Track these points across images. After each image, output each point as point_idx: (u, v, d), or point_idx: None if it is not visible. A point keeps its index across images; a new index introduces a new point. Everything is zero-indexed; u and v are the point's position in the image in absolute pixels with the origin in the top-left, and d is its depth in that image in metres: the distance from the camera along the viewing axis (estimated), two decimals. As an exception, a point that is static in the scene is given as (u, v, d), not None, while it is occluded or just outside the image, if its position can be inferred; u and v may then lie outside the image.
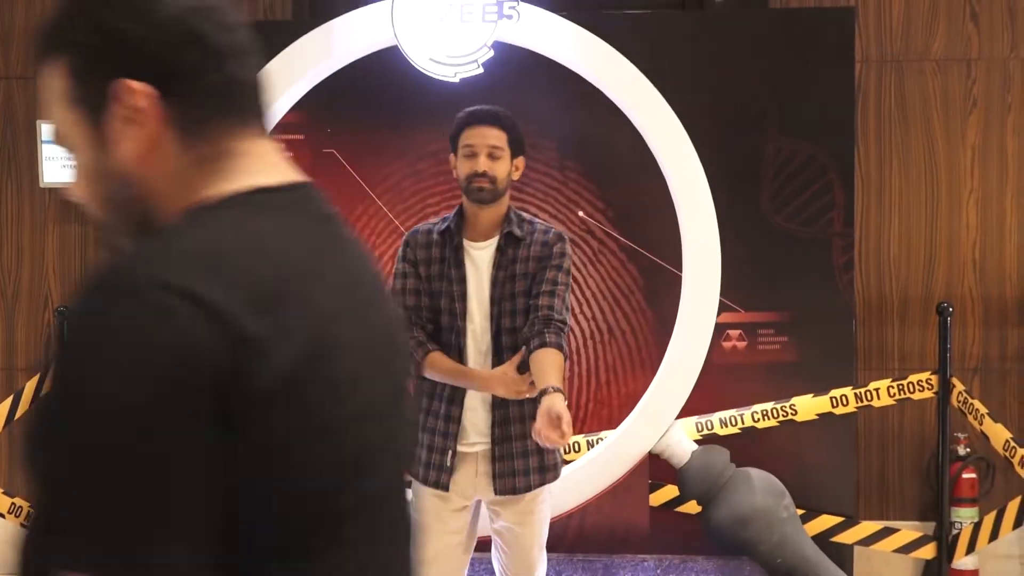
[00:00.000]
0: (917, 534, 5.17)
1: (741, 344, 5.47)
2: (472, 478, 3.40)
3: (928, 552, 5.08)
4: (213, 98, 1.20)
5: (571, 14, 5.06)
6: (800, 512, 4.93)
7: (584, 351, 5.52)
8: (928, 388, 5.04)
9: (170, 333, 0.96)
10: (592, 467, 4.70)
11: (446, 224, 3.44)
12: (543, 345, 3.29)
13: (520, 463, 3.39)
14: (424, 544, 3.44)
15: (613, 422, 5.38)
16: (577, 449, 5.21)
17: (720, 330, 5.34)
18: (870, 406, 5.15)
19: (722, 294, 4.83)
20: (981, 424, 4.69)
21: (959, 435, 5.35)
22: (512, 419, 3.36)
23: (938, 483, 5.10)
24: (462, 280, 3.36)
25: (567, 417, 3.16)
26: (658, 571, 4.29)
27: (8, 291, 5.90)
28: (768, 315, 5.47)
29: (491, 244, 3.39)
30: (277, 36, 4.88)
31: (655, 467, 4.89)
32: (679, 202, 4.73)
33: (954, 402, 4.94)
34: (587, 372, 5.52)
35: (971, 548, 4.89)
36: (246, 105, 1.29)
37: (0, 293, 5.89)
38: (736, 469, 4.74)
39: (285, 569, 1.03)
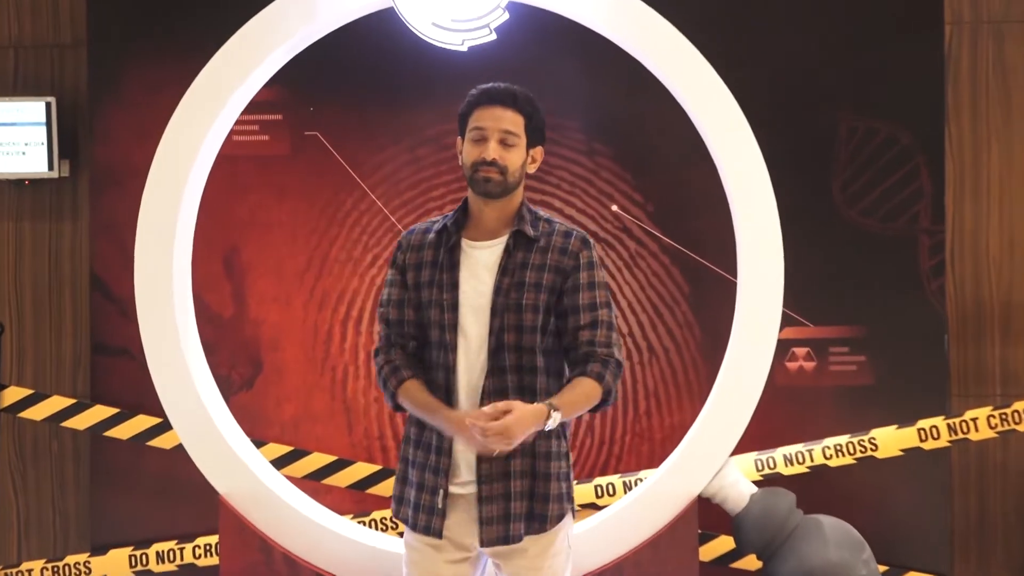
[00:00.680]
0: (1024, 594, 5.22)
1: (809, 365, 5.51)
2: (467, 524, 3.41)
3: (1038, 616, 5.12)
4: None
5: (602, -31, 5.15)
6: (882, 569, 4.98)
7: (619, 374, 5.60)
8: (1036, 417, 5.09)
9: None
10: (629, 514, 4.74)
11: (445, 222, 3.48)
12: (580, 374, 3.38)
13: (514, 506, 3.37)
14: None
15: (654, 459, 5.45)
16: (611, 492, 5.28)
17: (784, 348, 5.39)
18: (966, 439, 5.17)
19: (785, 304, 4.86)
20: (1100, 460, 4.71)
21: (1075, 474, 5.40)
22: (504, 454, 3.35)
23: (1049, 532, 5.12)
24: (454, 286, 3.39)
25: (505, 422, 3.18)
26: (709, 637, 4.38)
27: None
28: (841, 330, 5.52)
29: (497, 244, 3.41)
30: (250, -3, 4.98)
31: (706, 514, 4.93)
32: (733, 193, 4.77)
33: (1067, 434, 4.95)
34: (623, 399, 5.56)
35: (1089, 611, 4.92)
36: None
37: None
38: (804, 516, 4.79)
39: None
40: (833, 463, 5.20)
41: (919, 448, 5.17)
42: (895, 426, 5.20)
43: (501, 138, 3.39)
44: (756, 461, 5.21)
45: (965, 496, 5.68)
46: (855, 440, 5.21)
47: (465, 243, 3.46)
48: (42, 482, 5.93)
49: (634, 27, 4.74)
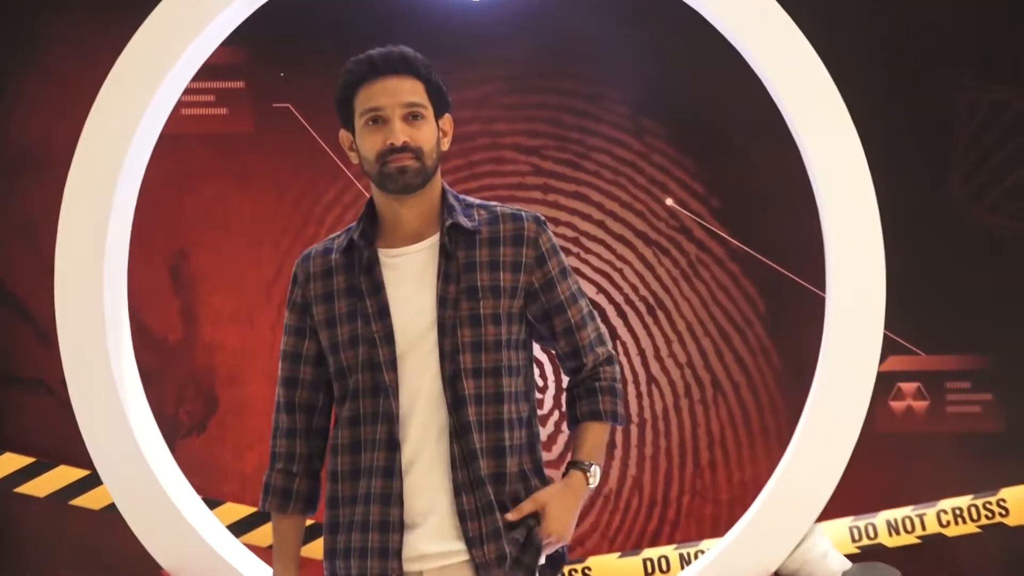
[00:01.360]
0: None
1: (920, 404, 5.49)
2: None
3: None
4: None
5: None
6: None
7: (674, 416, 5.57)
8: None
9: None
10: None
11: (348, 235, 3.45)
12: (585, 418, 3.45)
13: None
14: None
15: (720, 526, 5.42)
16: (664, 568, 5.25)
17: (887, 382, 5.36)
18: (1122, 502, 5.19)
19: (889, 327, 4.85)
20: None
21: None
22: (501, 531, 3.39)
23: None
24: (383, 312, 3.36)
25: (556, 528, 3.32)
26: None
27: None
28: (961, 360, 5.49)
29: (426, 248, 3.39)
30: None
31: (786, 596, 4.93)
32: (821, 185, 4.76)
33: None
34: (679, 449, 5.55)
35: None
36: None
37: None
38: (912, 599, 4.79)
39: None
40: (951, 532, 5.17)
41: (1062, 513, 5.14)
42: (1031, 484, 5.17)
43: (405, 114, 3.39)
44: (852, 529, 5.16)
45: (1121, 574, 5.63)
46: (979, 502, 5.16)
47: (383, 255, 3.44)
48: (-63, 551, 5.94)
49: (695, -30, 4.75)
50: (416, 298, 3.37)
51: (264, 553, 5.20)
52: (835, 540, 5.01)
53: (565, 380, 3.50)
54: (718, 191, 5.60)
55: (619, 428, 5.28)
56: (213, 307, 5.68)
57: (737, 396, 5.56)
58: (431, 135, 3.41)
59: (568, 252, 5.56)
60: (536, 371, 3.55)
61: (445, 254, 3.38)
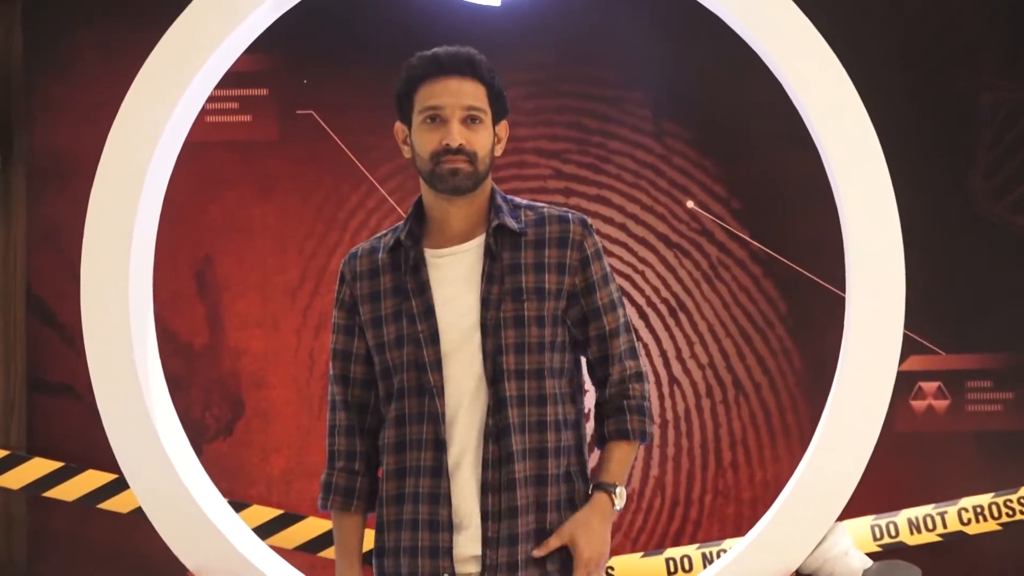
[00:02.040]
0: None
1: (941, 404, 5.48)
2: None
3: None
4: None
5: (671, -100, 5.16)
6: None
7: (696, 416, 5.58)
8: None
9: None
10: None
11: (396, 235, 3.45)
12: (612, 436, 3.45)
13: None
14: None
15: (742, 525, 5.44)
16: (687, 567, 5.25)
17: (908, 382, 5.36)
18: None
19: (909, 326, 4.84)
20: None
21: None
22: (519, 537, 3.38)
23: None
24: (428, 313, 3.36)
25: (591, 555, 3.33)
26: None
27: None
28: (982, 359, 5.48)
29: (472, 248, 3.39)
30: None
31: (808, 595, 4.93)
32: (841, 186, 4.75)
33: None
34: (701, 449, 5.55)
35: None
36: None
37: None
38: (933, 598, 4.79)
39: None
40: (972, 529, 5.16)
41: (1084, 511, 5.14)
42: (1052, 482, 5.16)
43: (465, 116, 3.38)
44: (873, 527, 5.16)
45: None
46: (1000, 500, 5.16)
47: (430, 255, 3.42)
48: (-32, 555, 5.99)
49: (712, -26, 4.75)
50: (461, 298, 3.37)
51: (289, 555, 5.23)
52: (857, 539, 5.01)
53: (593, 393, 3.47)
54: (739, 193, 5.60)
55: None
56: (238, 312, 5.70)
57: (759, 396, 5.56)
58: (487, 140, 3.40)
59: (589, 255, 5.56)
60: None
61: (490, 255, 3.38)
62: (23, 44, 5.76)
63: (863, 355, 4.73)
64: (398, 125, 3.47)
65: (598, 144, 5.67)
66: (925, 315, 5.25)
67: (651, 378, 5.63)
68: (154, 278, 4.98)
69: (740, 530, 5.32)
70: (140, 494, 4.84)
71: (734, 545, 4.99)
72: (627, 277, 5.68)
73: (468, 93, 3.39)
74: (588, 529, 3.36)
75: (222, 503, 4.99)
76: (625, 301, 3.54)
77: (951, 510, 5.18)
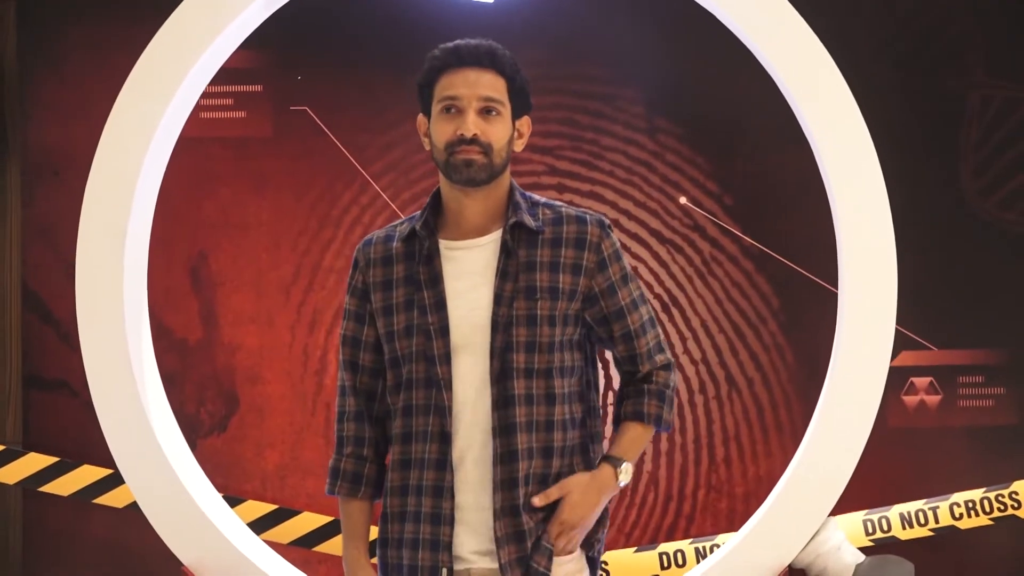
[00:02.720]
0: None
1: (932, 399, 5.48)
2: None
3: None
4: None
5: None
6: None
7: (689, 412, 5.58)
8: None
9: None
10: None
11: (412, 224, 3.44)
12: (628, 417, 3.44)
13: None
14: None
15: (735, 520, 5.44)
16: (680, 562, 5.25)
17: (899, 377, 5.37)
18: None
19: (901, 322, 4.85)
20: None
21: None
22: (528, 533, 3.39)
23: None
24: (440, 306, 3.36)
25: (569, 516, 3.34)
26: None
27: None
28: (974, 355, 5.48)
29: (487, 243, 3.38)
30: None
31: (800, 589, 4.94)
32: (833, 182, 4.75)
33: None
34: (694, 444, 5.56)
35: None
36: None
37: None
38: (925, 592, 4.79)
39: None
40: (964, 524, 5.16)
41: (1075, 505, 5.14)
42: (1043, 477, 5.16)
43: (481, 107, 3.36)
44: (865, 522, 5.16)
45: None
46: (992, 495, 5.16)
47: (444, 247, 3.41)
48: (-37, 550, 5.98)
49: (705, -29, 4.74)
50: (473, 292, 3.36)
51: (284, 550, 5.23)
52: (849, 533, 5.01)
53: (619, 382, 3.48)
54: (732, 189, 5.61)
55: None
56: (232, 308, 5.70)
57: (751, 392, 5.56)
58: (503, 133, 3.38)
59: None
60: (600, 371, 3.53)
61: (506, 251, 3.37)
62: (17, 41, 5.75)
63: (856, 350, 4.74)
64: (420, 117, 3.47)
65: (591, 140, 5.67)
66: (917, 311, 5.26)
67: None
68: (148, 274, 4.97)
69: (733, 525, 5.33)
70: (135, 489, 4.84)
71: (727, 540, 5.00)
72: (620, 273, 5.67)
73: (485, 84, 3.38)
74: (584, 491, 3.35)
75: (217, 498, 4.99)
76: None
77: (943, 505, 5.18)
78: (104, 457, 4.95)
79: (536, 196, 3.48)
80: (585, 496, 3.36)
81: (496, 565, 3.42)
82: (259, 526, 5.37)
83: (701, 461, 5.55)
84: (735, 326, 5.59)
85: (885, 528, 5.16)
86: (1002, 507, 5.15)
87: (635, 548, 5.36)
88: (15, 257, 5.83)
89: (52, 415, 5.65)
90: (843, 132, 4.75)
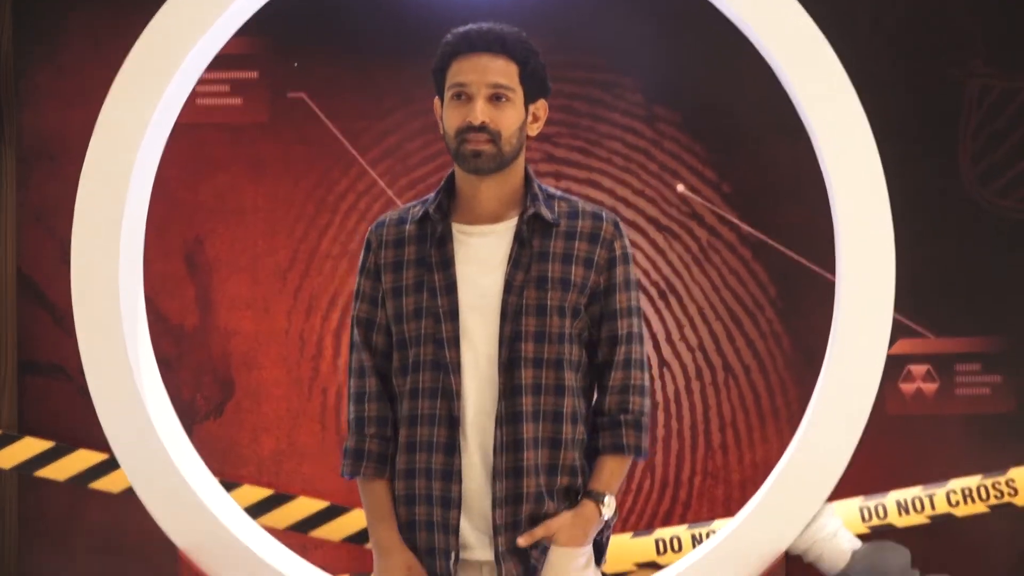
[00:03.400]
0: None
1: (930, 387, 5.47)
2: None
3: None
4: None
5: None
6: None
7: (685, 398, 5.57)
8: None
9: None
10: (698, 574, 4.77)
11: (425, 207, 3.43)
12: (607, 450, 3.45)
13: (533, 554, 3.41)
14: None
15: (731, 507, 5.43)
16: (677, 547, 5.25)
17: (897, 365, 5.36)
18: None
19: (898, 310, 4.84)
20: None
21: None
22: (529, 519, 3.41)
23: None
24: (450, 289, 3.35)
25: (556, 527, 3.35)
26: None
27: None
28: (971, 342, 5.47)
29: (502, 231, 3.38)
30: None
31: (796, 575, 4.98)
32: (831, 170, 4.74)
33: None
34: (691, 431, 5.55)
35: None
36: None
37: None
38: (922, 578, 4.80)
39: None
40: (960, 511, 5.17)
41: (1071, 493, 5.14)
42: (1040, 465, 5.16)
43: (490, 94, 3.34)
44: (862, 509, 5.16)
45: None
46: (988, 482, 5.16)
47: (457, 230, 3.39)
48: (-41, 535, 5.97)
49: (703, -44, 4.74)
50: (484, 279, 3.35)
51: (280, 535, 5.22)
52: (845, 520, 5.00)
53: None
54: (729, 177, 5.60)
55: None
56: (228, 294, 5.69)
57: (748, 379, 5.55)
58: (514, 119, 3.35)
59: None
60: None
61: (520, 240, 3.36)
62: (13, 27, 5.74)
63: (853, 338, 4.74)
64: (436, 100, 3.44)
65: (588, 128, 5.66)
66: (915, 298, 5.26)
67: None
68: (144, 259, 4.97)
69: (729, 511, 5.32)
70: (131, 474, 4.84)
71: (724, 526, 4.99)
72: (617, 260, 5.66)
73: (495, 70, 3.35)
74: (566, 532, 3.38)
75: (213, 483, 4.98)
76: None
77: (939, 492, 5.18)
78: (100, 442, 4.95)
79: (551, 188, 3.47)
80: (572, 535, 3.37)
81: (493, 554, 3.44)
82: (255, 511, 5.37)
83: (698, 448, 5.54)
84: (732, 313, 5.58)
85: (881, 515, 5.16)
86: (999, 494, 5.16)
87: (631, 533, 5.36)
88: (10, 242, 5.81)
89: (47, 400, 5.64)
90: (841, 120, 4.75)
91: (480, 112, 3.31)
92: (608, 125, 5.60)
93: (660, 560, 5.23)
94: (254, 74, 5.68)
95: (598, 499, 3.41)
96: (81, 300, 4.81)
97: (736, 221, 5.57)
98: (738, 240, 5.57)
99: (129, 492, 4.94)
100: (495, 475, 3.38)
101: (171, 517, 4.79)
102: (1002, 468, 5.20)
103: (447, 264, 3.38)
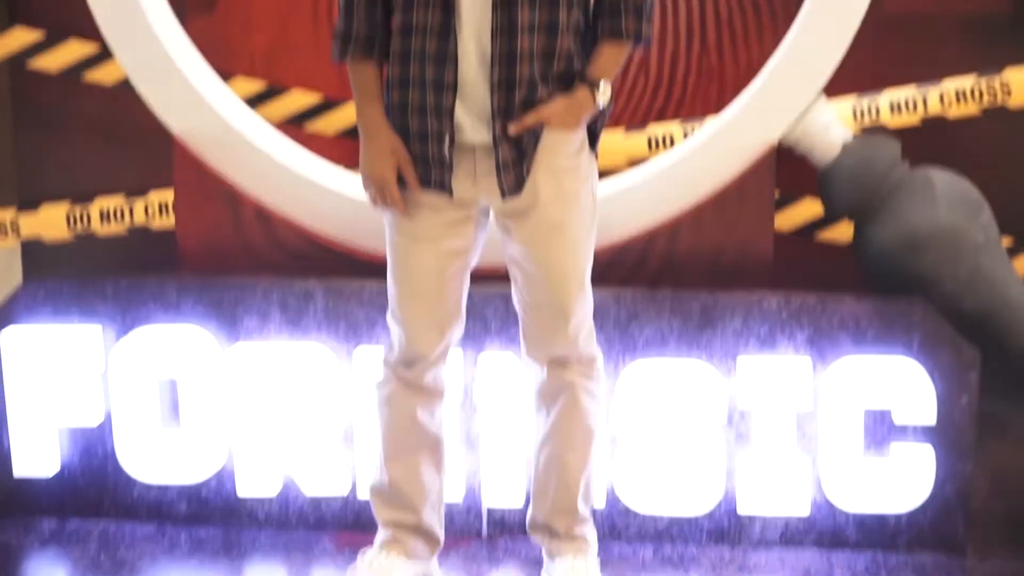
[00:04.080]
0: None
1: (931, -9, 5.42)
2: (471, 177, 3.63)
3: None
4: None
5: None
6: (1006, 242, 5.00)
7: (679, -6, 5.51)
8: None
9: None
10: (688, 165, 4.71)
11: None
12: (605, 35, 3.58)
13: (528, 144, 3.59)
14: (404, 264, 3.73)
15: (724, 106, 5.36)
16: (670, 143, 5.26)
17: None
18: None
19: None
20: None
21: None
22: (523, 105, 3.52)
23: None
24: None
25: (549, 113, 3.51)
26: (784, 314, 4.40)
27: None
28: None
29: None
30: None
31: (786, 173, 4.92)
32: None
33: None
34: (686, 28, 5.48)
35: None
36: None
37: None
38: (910, 170, 4.79)
39: None
40: (952, 112, 5.19)
41: (1066, 95, 5.14)
42: (1036, 65, 5.15)
43: None
44: (855, 108, 5.19)
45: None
46: (983, 83, 5.16)
47: None
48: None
49: None
50: None
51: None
52: (840, 118, 5.00)
53: None
54: None
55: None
56: None
57: (746, -23, 5.49)
58: None
59: None
60: None
61: None
62: None
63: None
64: None
65: None
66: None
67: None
68: None
69: (722, 110, 5.32)
70: (124, 61, 4.78)
71: (715, 121, 5.00)
72: None
73: None
74: (559, 118, 3.54)
75: (207, 70, 4.94)
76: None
77: (933, 92, 5.19)
78: (92, 31, 4.88)
79: None
80: (564, 120, 3.54)
81: (490, 138, 3.51)
82: (249, 105, 5.35)
83: (692, 46, 5.49)
84: None
85: (874, 114, 5.19)
86: (992, 96, 5.15)
87: (624, 130, 5.37)
88: None
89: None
90: None
91: None
92: None
93: (652, 157, 5.26)
94: None
95: (593, 84, 3.55)
96: None
97: None
98: None
99: (123, 84, 4.92)
100: (492, 60, 3.44)
101: (166, 102, 4.76)
102: (996, 67, 5.19)
103: None
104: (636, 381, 4.35)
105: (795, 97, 4.72)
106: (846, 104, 5.17)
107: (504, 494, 4.44)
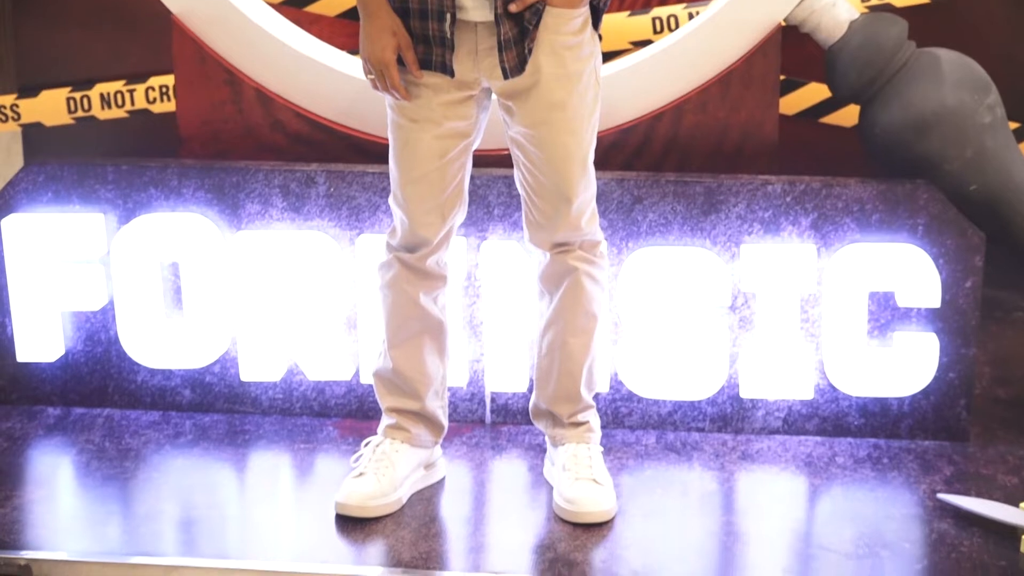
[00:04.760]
0: None
1: None
2: (472, 56, 3.60)
3: None
4: None
5: None
6: (1013, 125, 4.95)
7: None
8: None
9: None
10: (691, 46, 4.61)
11: None
12: None
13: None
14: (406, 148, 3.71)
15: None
16: (674, 25, 5.20)
17: None
18: None
19: None
20: None
21: None
22: None
23: None
24: None
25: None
26: (788, 198, 4.35)
27: None
28: None
29: None
30: None
31: (791, 57, 4.85)
32: None
33: None
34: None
35: None
36: None
37: None
38: (917, 50, 4.73)
39: None
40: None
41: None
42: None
43: None
44: (862, -7, 5.13)
45: None
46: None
47: None
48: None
49: None
50: None
51: (276, 11, 5.16)
52: (845, -1, 4.94)
53: None
54: None
55: None
56: None
57: None
58: None
59: None
60: None
61: None
62: None
63: None
64: None
65: None
66: None
67: None
68: None
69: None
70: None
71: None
72: None
73: None
74: None
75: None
76: None
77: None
78: None
79: None
80: None
81: (492, 15, 3.49)
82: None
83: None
84: None
85: (881, -8, 5.13)
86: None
87: (628, 12, 5.30)
88: None
89: None
90: None
91: None
92: None
93: (656, 39, 5.19)
94: None
95: None
96: None
97: None
98: None
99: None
100: None
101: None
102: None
103: None
104: (640, 266, 4.32)
105: (801, -25, 4.65)
106: (853, -16, 5.10)
107: (508, 380, 4.43)
